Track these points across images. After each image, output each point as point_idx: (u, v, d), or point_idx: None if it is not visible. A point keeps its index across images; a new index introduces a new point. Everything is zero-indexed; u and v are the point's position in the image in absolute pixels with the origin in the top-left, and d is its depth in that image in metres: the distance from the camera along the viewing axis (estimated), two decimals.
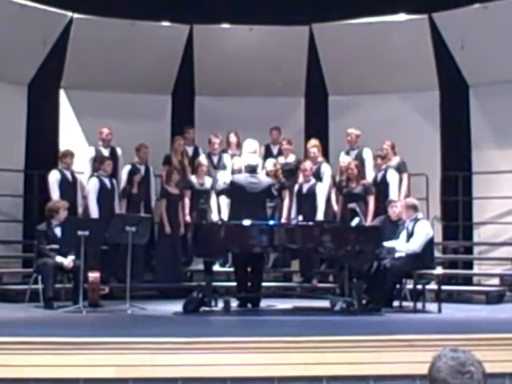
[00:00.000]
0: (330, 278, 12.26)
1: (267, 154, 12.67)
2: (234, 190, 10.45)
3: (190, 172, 12.37)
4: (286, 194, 11.88)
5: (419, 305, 9.70)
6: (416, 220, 9.97)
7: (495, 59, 12.44)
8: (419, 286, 9.81)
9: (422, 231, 9.83)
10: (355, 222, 10.23)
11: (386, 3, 12.85)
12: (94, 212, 11.35)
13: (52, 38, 12.68)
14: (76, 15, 12.75)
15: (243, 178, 10.45)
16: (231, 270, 11.25)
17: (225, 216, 11.57)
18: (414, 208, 10.12)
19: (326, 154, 12.73)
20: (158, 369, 6.12)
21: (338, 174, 12.16)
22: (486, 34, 12.30)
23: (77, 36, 12.74)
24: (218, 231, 9.69)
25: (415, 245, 9.77)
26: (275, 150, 12.83)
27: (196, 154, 12.67)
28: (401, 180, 11.74)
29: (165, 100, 13.79)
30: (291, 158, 12.53)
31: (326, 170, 12.17)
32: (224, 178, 11.87)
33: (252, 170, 10.49)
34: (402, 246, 9.89)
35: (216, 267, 11.25)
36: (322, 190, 11.83)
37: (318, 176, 12.02)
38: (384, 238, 9.82)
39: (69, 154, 11.74)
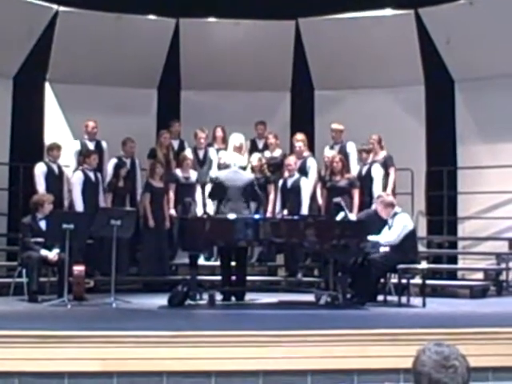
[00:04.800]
0: (315, 272, 12.29)
1: (253, 149, 12.66)
2: (216, 186, 10.47)
3: (174, 166, 12.36)
4: (272, 188, 11.93)
5: (404, 299, 9.71)
6: (395, 214, 10.00)
7: (480, 55, 12.49)
8: (404, 281, 9.82)
9: (399, 223, 9.86)
10: (340, 216, 10.23)
11: None
12: (79, 205, 11.33)
13: (37, 31, 12.64)
14: (61, 8, 12.71)
15: (225, 174, 10.45)
16: (216, 263, 11.26)
17: (210, 210, 11.58)
18: (392, 205, 10.14)
19: (311, 148, 12.73)
20: (142, 362, 6.12)
21: (322, 168, 12.18)
22: (472, 30, 12.35)
23: (62, 29, 12.70)
24: (203, 225, 9.68)
25: (392, 236, 9.79)
26: (261, 145, 12.84)
27: (182, 147, 12.66)
28: (387, 174, 11.75)
29: (151, 94, 13.77)
30: (277, 153, 12.54)
31: (312, 164, 12.17)
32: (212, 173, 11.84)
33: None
34: (380, 238, 9.90)
35: (201, 261, 11.27)
36: (307, 185, 11.84)
37: (304, 170, 12.03)
38: (371, 232, 9.82)
39: (55, 147, 11.70)
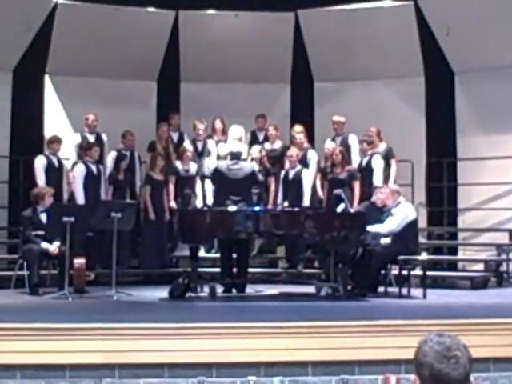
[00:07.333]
0: (316, 264, 12.30)
1: (253, 141, 12.65)
2: (217, 177, 10.46)
3: (174, 158, 12.35)
4: (272, 180, 11.93)
5: (404, 290, 9.73)
6: (398, 204, 10.02)
7: (480, 46, 12.48)
8: (404, 272, 9.84)
9: (401, 212, 9.88)
10: (341, 207, 10.23)
11: None
12: (81, 198, 11.32)
13: (37, 23, 12.63)
14: (60, 1, 12.71)
15: (225, 164, 10.46)
16: (217, 255, 11.26)
17: (210, 202, 11.58)
18: (398, 193, 10.18)
19: (311, 140, 12.72)
20: (143, 354, 6.13)
21: (323, 160, 12.17)
22: (471, 21, 12.32)
23: (61, 22, 12.69)
24: (203, 217, 9.68)
25: (393, 224, 9.80)
26: (261, 137, 12.82)
27: (181, 140, 12.65)
28: (389, 166, 11.74)
29: (150, 86, 13.76)
30: (278, 144, 12.52)
31: (313, 156, 12.16)
32: (210, 164, 11.82)
33: (234, 156, 10.48)
34: (380, 227, 9.91)
35: (201, 253, 11.27)
36: (308, 177, 11.83)
37: (304, 162, 12.01)
38: (369, 224, 9.82)
39: (56, 140, 11.69)
